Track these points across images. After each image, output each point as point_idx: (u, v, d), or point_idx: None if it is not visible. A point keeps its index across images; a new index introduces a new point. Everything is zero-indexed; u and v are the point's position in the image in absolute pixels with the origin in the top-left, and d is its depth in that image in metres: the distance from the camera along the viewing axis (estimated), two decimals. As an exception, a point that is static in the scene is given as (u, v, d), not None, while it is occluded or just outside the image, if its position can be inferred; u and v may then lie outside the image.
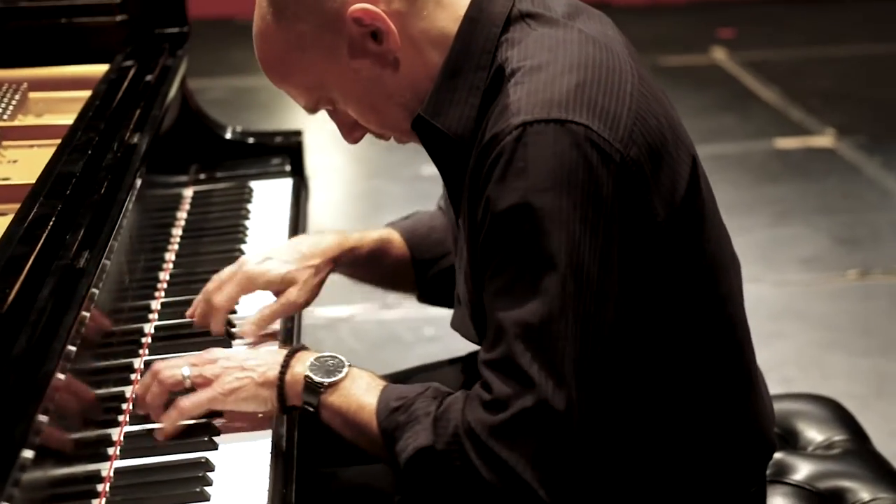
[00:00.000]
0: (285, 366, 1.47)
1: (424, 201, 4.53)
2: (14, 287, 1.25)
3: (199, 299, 1.70)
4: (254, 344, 1.69)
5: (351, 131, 1.55)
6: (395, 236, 1.85)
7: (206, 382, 1.48)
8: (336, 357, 1.48)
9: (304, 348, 1.51)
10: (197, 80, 2.33)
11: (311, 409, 1.46)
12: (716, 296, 1.49)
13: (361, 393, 1.45)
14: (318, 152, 5.33)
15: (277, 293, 1.70)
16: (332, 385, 1.45)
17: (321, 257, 1.72)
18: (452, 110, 1.44)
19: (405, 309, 3.82)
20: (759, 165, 5.02)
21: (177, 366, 1.50)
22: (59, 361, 1.21)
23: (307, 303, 1.71)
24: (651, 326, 1.44)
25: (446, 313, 1.78)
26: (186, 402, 1.47)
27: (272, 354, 1.51)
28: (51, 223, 1.41)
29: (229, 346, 1.68)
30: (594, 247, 1.32)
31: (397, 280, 1.89)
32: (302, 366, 1.47)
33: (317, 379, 1.45)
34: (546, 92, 1.35)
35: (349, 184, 5.14)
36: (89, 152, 1.64)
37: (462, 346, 1.79)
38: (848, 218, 4.47)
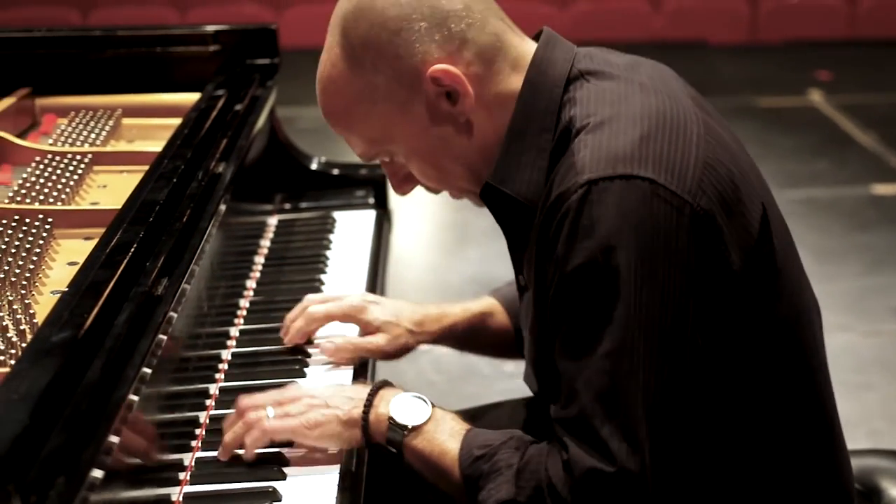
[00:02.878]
0: (368, 405, 1.48)
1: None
2: (91, 313, 1.27)
3: (298, 308, 1.78)
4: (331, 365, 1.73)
5: (403, 183, 1.55)
6: (497, 307, 1.86)
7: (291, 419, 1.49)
8: (419, 397, 1.48)
9: (386, 384, 1.52)
10: (287, 109, 2.36)
11: (394, 451, 1.46)
12: (795, 344, 1.46)
13: (445, 438, 1.45)
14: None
15: (366, 334, 1.77)
16: (416, 429, 1.45)
17: (420, 328, 1.78)
18: (520, 174, 1.43)
19: (486, 343, 3.81)
20: (853, 212, 4.93)
21: (261, 405, 1.50)
22: (131, 387, 1.22)
23: (390, 356, 1.77)
24: (730, 376, 1.40)
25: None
26: (271, 423, 1.48)
27: (356, 391, 1.51)
28: (132, 250, 1.43)
29: (303, 372, 1.71)
30: (665, 302, 1.30)
31: (500, 348, 1.89)
32: (385, 406, 1.47)
33: (401, 422, 1.46)
34: (610, 147, 1.32)
35: (436, 215, 5.15)
36: (174, 180, 1.66)
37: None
38: (944, 268, 4.37)
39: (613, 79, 1.42)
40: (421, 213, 5.15)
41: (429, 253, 4.62)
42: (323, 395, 1.51)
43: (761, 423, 1.44)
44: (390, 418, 1.46)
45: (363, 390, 1.50)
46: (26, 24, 2.46)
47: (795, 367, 1.46)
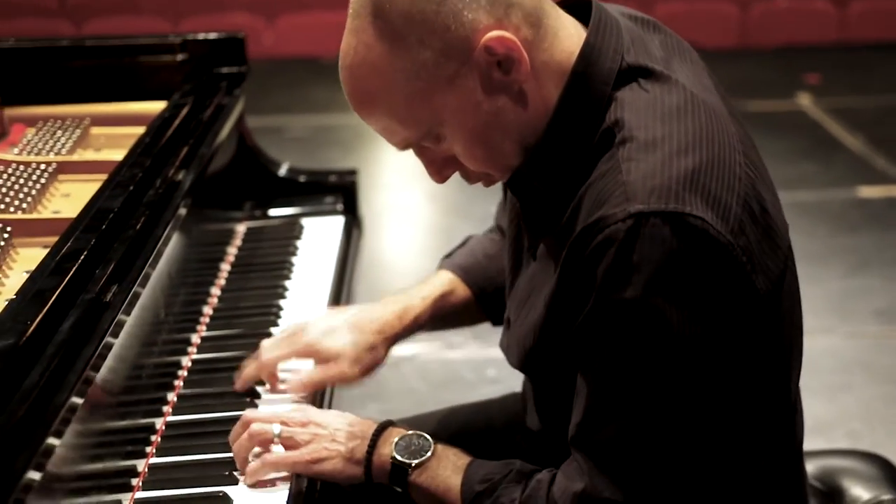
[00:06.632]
0: (372, 445, 1.48)
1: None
2: (35, 320, 1.28)
3: (253, 356, 1.70)
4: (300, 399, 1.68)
5: (442, 169, 1.43)
6: (456, 282, 1.83)
7: (296, 446, 1.48)
8: (422, 436, 1.48)
9: (389, 424, 1.51)
10: (279, 118, 2.37)
11: (399, 490, 1.47)
12: (784, 375, 1.44)
13: (448, 474, 1.46)
14: (393, 190, 5.39)
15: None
16: (419, 466, 1.46)
17: (381, 336, 1.71)
18: (554, 169, 1.37)
19: (468, 349, 3.82)
20: (839, 215, 4.93)
21: (269, 421, 1.49)
22: (71, 393, 1.23)
23: (358, 378, 1.70)
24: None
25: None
26: (272, 457, 1.48)
27: (361, 428, 1.50)
28: (81, 257, 1.44)
29: (254, 404, 1.67)
30: (706, 355, 1.29)
31: (466, 319, 1.87)
32: (388, 446, 1.47)
33: (404, 461, 1.46)
34: (661, 176, 1.27)
35: (424, 220, 5.17)
36: (130, 188, 1.67)
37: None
38: (927, 270, 4.37)
39: (659, 80, 1.36)
40: (411, 219, 5.17)
41: (419, 258, 4.61)
42: (330, 425, 1.49)
43: (738, 438, 1.42)
44: (393, 458, 1.46)
45: (368, 428, 1.50)
46: (20, 35, 2.48)
47: (779, 396, 1.45)
